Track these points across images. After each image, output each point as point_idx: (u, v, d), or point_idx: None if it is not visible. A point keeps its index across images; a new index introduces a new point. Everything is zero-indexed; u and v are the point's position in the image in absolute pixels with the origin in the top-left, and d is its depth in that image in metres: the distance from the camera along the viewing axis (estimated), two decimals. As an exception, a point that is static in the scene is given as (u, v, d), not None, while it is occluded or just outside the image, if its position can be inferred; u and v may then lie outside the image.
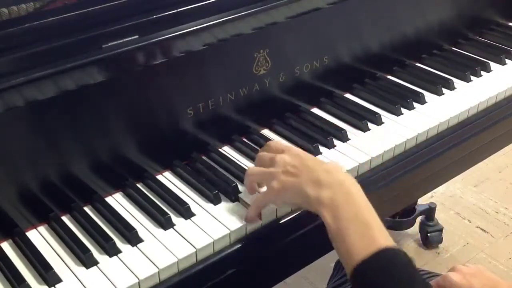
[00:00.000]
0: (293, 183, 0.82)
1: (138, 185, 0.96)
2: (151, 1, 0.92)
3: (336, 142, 1.05)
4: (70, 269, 0.82)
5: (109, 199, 0.94)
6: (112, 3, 0.88)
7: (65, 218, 0.90)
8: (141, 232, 0.87)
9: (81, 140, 0.89)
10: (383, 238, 0.74)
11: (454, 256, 1.88)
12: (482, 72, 1.29)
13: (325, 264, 1.30)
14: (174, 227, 0.88)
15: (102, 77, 0.86)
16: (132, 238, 0.85)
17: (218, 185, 0.95)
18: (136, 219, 0.90)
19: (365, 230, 0.75)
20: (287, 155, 0.85)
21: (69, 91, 0.84)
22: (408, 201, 1.51)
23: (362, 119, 1.10)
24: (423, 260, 1.86)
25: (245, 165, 1.00)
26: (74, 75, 0.84)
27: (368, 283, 0.72)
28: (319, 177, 0.80)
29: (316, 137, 1.06)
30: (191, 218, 0.89)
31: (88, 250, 0.83)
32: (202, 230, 0.87)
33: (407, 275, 0.72)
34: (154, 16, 0.90)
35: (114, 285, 0.79)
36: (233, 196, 0.93)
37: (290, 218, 0.92)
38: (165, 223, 0.88)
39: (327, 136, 1.05)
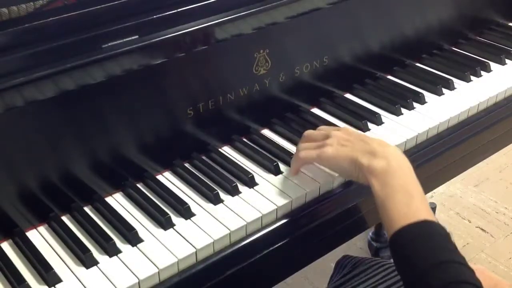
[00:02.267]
0: (347, 151, 0.87)
1: (138, 185, 0.96)
2: (151, 1, 0.92)
3: (336, 142, 1.05)
4: (70, 269, 0.82)
5: (109, 199, 0.94)
6: (112, 3, 0.88)
7: (65, 218, 0.90)
8: (141, 232, 0.87)
9: (81, 140, 0.89)
10: (424, 210, 0.78)
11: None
12: (482, 72, 1.29)
13: (325, 264, 1.31)
14: (174, 227, 0.88)
15: (102, 77, 0.86)
16: (132, 238, 0.85)
17: (218, 185, 0.95)
18: (136, 219, 0.90)
19: (409, 201, 0.78)
20: (341, 131, 0.92)
21: (69, 91, 0.84)
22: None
23: (362, 119, 1.10)
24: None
25: (245, 165, 1.00)
26: (74, 75, 0.84)
27: (405, 249, 0.75)
28: (374, 148, 0.85)
29: (316, 137, 1.06)
30: (191, 218, 0.89)
31: (88, 250, 0.83)
32: (202, 230, 0.87)
33: (442, 247, 0.74)
34: (154, 16, 0.90)
35: (114, 285, 0.79)
36: (233, 196, 0.93)
37: (290, 219, 0.92)
38: (165, 223, 0.88)
39: (327, 136, 1.05)
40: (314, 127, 1.07)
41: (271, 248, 0.90)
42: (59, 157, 0.88)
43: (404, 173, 0.82)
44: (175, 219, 0.89)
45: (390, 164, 0.82)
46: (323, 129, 0.96)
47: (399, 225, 0.76)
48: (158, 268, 0.81)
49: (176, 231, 0.87)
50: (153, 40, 0.89)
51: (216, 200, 0.92)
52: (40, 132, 0.85)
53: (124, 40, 0.87)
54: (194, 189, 0.96)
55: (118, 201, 0.94)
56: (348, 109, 1.15)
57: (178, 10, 0.93)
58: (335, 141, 0.89)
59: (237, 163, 1.00)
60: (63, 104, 0.85)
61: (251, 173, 0.97)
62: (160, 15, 0.91)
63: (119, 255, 0.84)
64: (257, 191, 0.94)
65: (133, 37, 0.88)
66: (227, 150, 1.05)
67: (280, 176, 0.98)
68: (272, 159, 1.01)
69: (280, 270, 0.97)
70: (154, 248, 0.84)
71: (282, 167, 0.99)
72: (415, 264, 0.73)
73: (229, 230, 0.87)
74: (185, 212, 0.90)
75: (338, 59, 1.16)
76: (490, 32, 1.45)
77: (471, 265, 0.95)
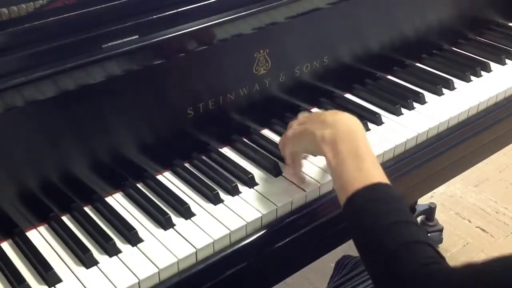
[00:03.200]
0: (303, 127, 0.90)
1: (138, 185, 0.96)
2: (151, 1, 0.92)
3: (336, 142, 1.05)
4: (70, 269, 0.82)
5: (109, 199, 0.94)
6: (112, 3, 0.88)
7: (65, 218, 0.90)
8: (141, 232, 0.87)
9: (81, 140, 0.89)
10: (376, 174, 0.78)
11: (454, 256, 1.88)
12: (482, 72, 1.29)
13: (325, 264, 1.31)
14: (174, 227, 0.88)
15: (102, 77, 0.86)
16: (132, 238, 0.85)
17: (218, 185, 0.95)
18: (136, 219, 0.90)
19: (361, 165, 0.79)
20: (305, 113, 0.95)
21: (69, 91, 0.84)
22: (408, 201, 1.51)
23: (362, 119, 1.10)
24: (423, 260, 1.85)
25: (245, 165, 1.00)
26: (74, 75, 0.84)
27: (357, 213, 0.76)
28: (325, 118, 0.87)
29: (316, 137, 1.06)
30: (191, 218, 0.89)
31: (88, 250, 0.83)
32: (202, 230, 0.87)
33: (393, 208, 0.74)
34: (154, 16, 0.90)
35: (114, 285, 0.79)
36: (233, 196, 0.93)
37: (290, 219, 0.92)
38: (165, 223, 0.88)
39: (327, 136, 1.05)
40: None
41: (271, 248, 0.90)
42: (59, 157, 0.88)
43: (354, 138, 0.83)
44: (175, 219, 0.89)
45: (339, 130, 0.83)
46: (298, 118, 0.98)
47: (351, 189, 0.77)
48: (158, 268, 0.81)
49: (176, 231, 0.87)
50: (153, 40, 0.89)
51: (216, 200, 0.92)
52: (40, 132, 0.85)
53: (124, 40, 0.87)
54: (194, 189, 0.96)
55: (118, 201, 0.94)
56: (348, 109, 1.14)
57: (178, 10, 0.93)
58: (295, 123, 0.92)
59: (237, 163, 1.00)
60: (63, 104, 0.85)
61: (251, 173, 0.97)
62: (160, 15, 0.91)
63: (119, 255, 0.84)
64: (257, 191, 0.94)
65: (133, 37, 0.88)
66: (227, 150, 1.05)
67: (280, 176, 0.98)
68: (272, 159, 1.01)
69: (280, 270, 0.97)
70: (154, 248, 0.84)
71: (282, 167, 0.99)
72: (368, 226, 0.73)
73: (229, 230, 0.87)
74: (185, 212, 0.90)
75: (338, 59, 1.16)
76: (490, 32, 1.45)
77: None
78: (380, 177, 0.78)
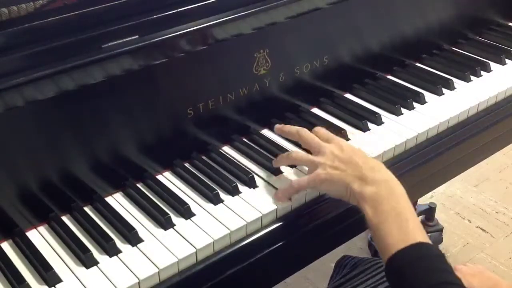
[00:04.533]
0: (339, 176, 0.87)
1: (138, 185, 0.96)
2: (151, 1, 0.92)
3: (336, 142, 1.05)
4: (70, 269, 0.82)
5: (109, 199, 0.94)
6: (112, 3, 0.88)
7: (65, 218, 0.90)
8: (141, 232, 0.87)
9: (81, 140, 0.89)
10: (418, 233, 0.78)
11: (454, 256, 1.88)
12: (482, 72, 1.29)
13: (325, 264, 1.31)
14: (174, 227, 0.88)
15: (102, 77, 0.86)
16: (132, 238, 0.85)
17: (218, 185, 0.95)
18: (136, 219, 0.90)
19: (402, 224, 0.78)
20: (334, 146, 0.91)
21: (69, 91, 0.84)
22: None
23: (362, 119, 1.10)
24: (423, 260, 1.85)
25: (245, 165, 1.00)
26: (74, 75, 0.84)
27: (401, 273, 0.75)
28: (365, 174, 0.85)
29: (316, 137, 1.06)
30: (191, 218, 0.89)
31: (88, 250, 0.83)
32: (202, 230, 0.87)
33: (437, 268, 0.74)
34: (154, 16, 0.90)
35: (114, 285, 0.79)
36: (233, 196, 0.93)
37: (290, 219, 0.92)
38: (165, 223, 0.88)
39: (327, 136, 1.05)
40: (314, 127, 1.08)
41: (271, 248, 0.90)
42: (59, 157, 0.88)
43: (395, 198, 0.82)
44: (175, 219, 0.89)
45: (380, 190, 0.82)
46: (318, 133, 0.95)
47: (393, 250, 0.76)
48: (158, 268, 0.81)
49: (176, 231, 0.87)
50: (153, 40, 0.89)
51: (216, 200, 0.92)
52: (40, 132, 0.85)
53: (124, 40, 0.87)
54: (194, 189, 0.96)
55: (118, 201, 0.94)
56: (348, 109, 1.15)
57: (178, 10, 0.93)
58: (327, 162, 0.88)
59: (237, 163, 1.00)
60: (63, 104, 0.85)
61: (251, 173, 0.97)
62: (160, 15, 0.91)
63: (119, 255, 0.84)
64: (257, 191, 0.94)
65: (133, 37, 0.88)
66: (227, 150, 1.05)
67: (280, 176, 0.98)
68: (272, 159, 1.00)
69: (280, 270, 0.97)
70: (154, 248, 0.84)
71: (282, 167, 0.99)
72: (410, 287, 0.73)
73: (229, 230, 0.87)
74: (185, 212, 0.90)
75: (338, 59, 1.16)
76: (490, 32, 1.45)
77: (471, 265, 0.95)
78: (422, 237, 0.78)
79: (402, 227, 0.78)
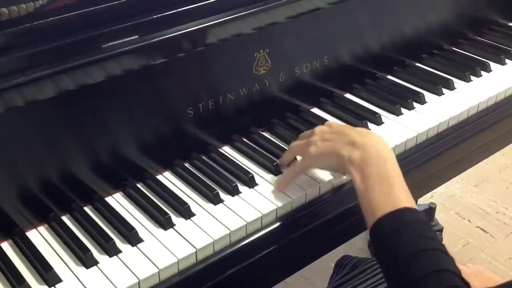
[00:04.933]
0: (329, 146, 0.88)
1: (138, 185, 0.96)
2: (151, 1, 0.92)
3: (336, 142, 1.05)
4: (70, 269, 0.82)
5: (109, 199, 0.94)
6: (112, 3, 0.88)
7: (65, 218, 0.90)
8: (141, 232, 0.87)
9: (81, 140, 0.89)
10: (405, 199, 0.78)
11: (454, 256, 1.87)
12: (482, 72, 1.29)
13: (325, 264, 1.31)
14: (174, 227, 0.88)
15: (102, 77, 0.86)
16: (132, 238, 0.85)
17: (218, 185, 0.95)
18: (136, 219, 0.90)
19: (389, 190, 0.78)
20: (323, 126, 0.93)
21: (69, 91, 0.84)
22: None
23: (362, 119, 1.10)
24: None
25: (245, 165, 1.00)
26: (74, 75, 0.84)
27: (385, 238, 0.75)
28: (353, 138, 0.85)
29: (316, 137, 1.06)
30: (191, 218, 0.89)
31: (88, 250, 0.83)
32: (202, 230, 0.87)
33: (421, 235, 0.74)
34: (154, 16, 0.90)
35: (114, 285, 0.79)
36: (233, 196, 0.93)
37: (290, 219, 0.92)
38: (165, 223, 0.88)
39: (327, 136, 1.05)
40: (314, 127, 1.08)
41: (271, 248, 0.90)
42: (59, 157, 0.88)
43: (383, 162, 0.82)
44: (175, 219, 0.89)
45: (368, 154, 0.83)
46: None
47: (378, 214, 0.76)
48: (158, 268, 0.81)
49: (176, 231, 0.87)
50: (153, 40, 0.89)
51: (216, 200, 0.92)
52: (40, 132, 0.85)
53: (124, 40, 0.87)
54: (194, 189, 0.96)
55: (118, 201, 0.94)
56: (348, 109, 1.15)
57: (178, 10, 0.92)
58: (318, 138, 0.90)
59: (237, 163, 1.00)
60: (63, 104, 0.85)
61: (251, 173, 0.97)
62: (160, 15, 0.91)
63: (119, 255, 0.84)
64: (257, 191, 0.94)
65: (133, 37, 0.88)
66: (227, 150, 1.05)
67: (280, 176, 0.98)
68: (272, 159, 1.01)
69: (280, 270, 0.97)
70: (154, 248, 0.84)
71: (282, 167, 0.99)
72: (395, 253, 0.73)
73: (229, 230, 0.87)
74: (185, 212, 0.90)
75: (338, 59, 1.16)
76: (490, 32, 1.45)
77: (471, 265, 0.95)
78: (409, 202, 0.78)
79: (388, 192, 0.78)
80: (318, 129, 0.93)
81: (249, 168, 1.00)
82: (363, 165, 0.82)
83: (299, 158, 0.97)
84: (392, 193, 0.78)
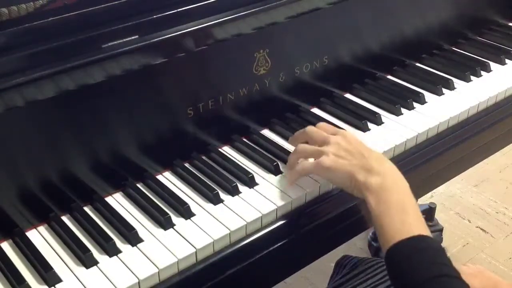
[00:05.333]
0: (345, 165, 0.87)
1: (138, 185, 0.96)
2: (151, 1, 0.92)
3: (336, 142, 1.05)
4: (70, 269, 0.82)
5: (109, 199, 0.94)
6: (112, 3, 0.88)
7: (65, 218, 0.90)
8: (141, 232, 0.87)
9: (81, 140, 0.89)
10: (419, 226, 0.78)
11: (454, 256, 1.88)
12: (482, 72, 1.29)
13: (325, 264, 1.30)
14: (174, 227, 0.88)
15: (102, 77, 0.86)
16: (132, 238, 0.85)
17: (218, 185, 0.95)
18: (136, 219, 0.90)
19: (404, 217, 0.79)
20: (340, 138, 0.91)
21: (69, 91, 0.84)
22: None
23: (362, 119, 1.10)
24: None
25: (245, 165, 1.00)
26: (74, 75, 0.84)
27: (399, 264, 0.76)
28: (370, 164, 0.85)
29: (316, 137, 1.06)
30: (191, 218, 0.89)
31: (88, 250, 0.83)
32: (202, 230, 0.87)
33: (436, 261, 0.74)
34: (154, 16, 0.90)
35: (114, 285, 0.79)
36: (233, 196, 0.93)
37: (290, 219, 0.92)
38: (165, 223, 0.88)
39: (327, 136, 1.05)
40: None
41: (271, 248, 0.90)
42: (59, 157, 0.88)
43: (399, 190, 0.83)
44: (175, 219, 0.89)
45: (385, 181, 0.83)
46: (323, 127, 0.96)
47: (394, 241, 0.77)
48: (158, 268, 0.81)
49: (176, 231, 0.87)
50: (153, 40, 0.89)
51: (216, 200, 0.92)
52: (40, 132, 0.85)
53: (124, 40, 0.87)
54: (194, 189, 0.96)
55: (118, 201, 0.94)
56: (348, 109, 1.15)
57: (178, 10, 0.93)
58: (333, 151, 0.89)
59: (237, 163, 1.00)
60: (63, 104, 0.85)
61: (251, 173, 0.97)
62: (160, 15, 0.91)
63: (119, 255, 0.84)
64: (257, 191, 0.94)
65: (133, 37, 0.88)
66: (227, 150, 1.05)
67: (280, 176, 0.98)
68: (272, 159, 1.01)
69: (280, 270, 0.97)
70: (154, 248, 0.84)
71: (282, 167, 0.99)
72: (410, 279, 0.73)
73: (229, 230, 0.87)
74: (185, 212, 0.90)
75: (338, 59, 1.16)
76: (490, 32, 1.45)
77: (471, 265, 0.95)
78: (423, 230, 0.78)
79: (403, 219, 0.79)
80: (334, 140, 0.90)
81: (249, 168, 1.00)
82: (379, 192, 0.82)
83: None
84: (407, 221, 0.79)
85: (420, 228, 0.78)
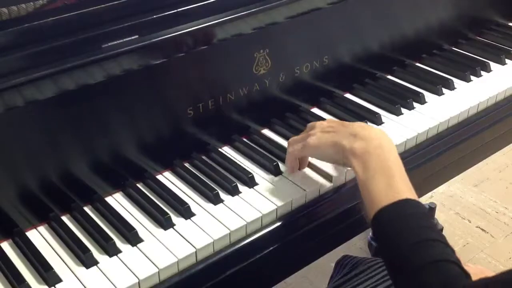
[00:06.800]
0: (330, 137, 0.88)
1: (138, 185, 0.96)
2: (151, 1, 0.92)
3: (336, 142, 1.05)
4: (70, 269, 0.82)
5: (109, 199, 0.94)
6: (112, 3, 0.88)
7: (65, 218, 0.90)
8: (141, 232, 0.87)
9: (81, 140, 0.89)
10: (406, 190, 0.78)
11: (454, 256, 1.87)
12: (482, 72, 1.29)
13: (325, 264, 1.30)
14: (174, 227, 0.88)
15: (102, 77, 0.86)
16: (132, 238, 0.85)
17: (218, 185, 0.95)
18: (136, 219, 0.90)
19: (390, 181, 0.79)
20: (324, 121, 0.94)
21: (69, 91, 0.84)
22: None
23: (362, 119, 1.10)
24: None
25: (245, 165, 1.00)
26: (74, 75, 0.84)
27: (385, 229, 0.76)
28: (355, 130, 0.86)
29: (316, 137, 1.06)
30: (191, 218, 0.89)
31: (88, 250, 0.83)
32: (202, 230, 0.87)
33: (421, 225, 0.74)
34: (154, 16, 0.90)
35: (114, 285, 0.79)
36: (233, 196, 0.93)
37: (290, 219, 0.92)
38: (165, 223, 0.88)
39: (327, 136, 1.05)
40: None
41: (271, 248, 0.90)
42: (59, 157, 0.88)
43: (384, 154, 0.82)
44: (175, 219, 0.89)
45: (370, 145, 0.83)
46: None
47: (379, 205, 0.77)
48: (158, 268, 0.81)
49: (176, 231, 0.87)
50: (153, 40, 0.89)
51: (216, 200, 0.92)
52: (40, 132, 0.85)
53: (124, 40, 0.87)
54: (194, 189, 0.96)
55: (118, 201, 0.94)
56: (348, 109, 1.15)
57: (178, 10, 0.93)
58: (318, 130, 0.91)
59: (237, 163, 1.00)
60: (63, 104, 0.85)
61: (251, 173, 0.97)
62: (160, 15, 0.91)
63: (119, 255, 0.84)
64: (257, 191, 0.94)
65: (133, 37, 0.88)
66: (227, 150, 1.05)
67: (280, 176, 0.98)
68: (272, 159, 1.01)
69: (280, 270, 0.97)
70: (154, 248, 0.84)
71: (282, 167, 0.99)
72: (395, 243, 0.73)
73: (229, 230, 0.87)
74: (185, 212, 0.90)
75: (338, 59, 1.16)
76: (490, 32, 1.45)
77: (471, 265, 0.95)
78: (410, 193, 0.78)
79: (389, 184, 0.79)
80: (318, 123, 0.93)
81: (249, 168, 1.00)
82: (365, 155, 0.82)
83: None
84: (393, 184, 0.78)
85: (406, 191, 0.78)
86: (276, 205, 0.91)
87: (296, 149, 0.93)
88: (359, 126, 0.88)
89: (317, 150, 0.91)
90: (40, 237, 0.88)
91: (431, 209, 1.89)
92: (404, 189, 0.78)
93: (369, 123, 1.10)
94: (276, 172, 0.98)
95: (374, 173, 0.80)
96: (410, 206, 0.76)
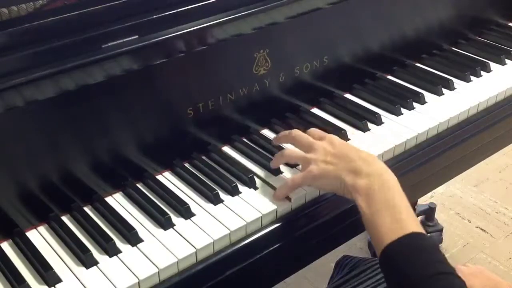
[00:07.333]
0: (332, 171, 0.87)
1: (138, 185, 0.96)
2: (151, 1, 0.92)
3: (336, 142, 1.05)
4: (70, 269, 0.82)
5: (109, 199, 0.94)
6: (112, 3, 0.88)
7: (65, 218, 0.90)
8: (141, 232, 0.87)
9: (81, 140, 0.89)
10: (412, 224, 0.78)
11: (454, 256, 1.88)
12: (482, 72, 1.29)
13: (325, 264, 1.31)
14: (174, 227, 0.88)
15: (102, 77, 0.86)
16: (132, 238, 0.85)
17: (218, 185, 0.95)
18: (136, 219, 0.90)
19: (395, 216, 0.79)
20: (326, 143, 0.91)
21: (69, 91, 0.84)
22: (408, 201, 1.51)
23: (362, 119, 1.10)
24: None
25: (245, 165, 1.00)
26: (74, 75, 0.84)
27: (394, 263, 0.75)
28: (357, 166, 0.85)
29: (316, 137, 1.06)
30: (191, 218, 0.89)
31: (88, 250, 0.83)
32: (202, 230, 0.87)
33: (431, 258, 0.74)
34: (154, 16, 0.90)
35: (114, 285, 0.79)
36: (233, 196, 0.93)
37: (290, 219, 0.92)
38: (165, 223, 0.88)
39: (327, 136, 1.05)
40: (314, 127, 1.08)
41: (271, 248, 0.90)
42: (59, 157, 0.88)
43: (389, 189, 0.82)
44: (175, 219, 0.89)
45: (374, 182, 0.83)
46: (311, 133, 0.95)
47: (387, 240, 0.76)
48: (158, 268, 0.81)
49: (176, 231, 0.87)
50: (153, 40, 0.89)
51: (216, 200, 0.92)
52: (40, 132, 0.85)
53: (124, 40, 0.87)
54: (194, 189, 0.96)
55: (118, 201, 0.94)
56: (348, 109, 1.15)
57: (178, 10, 0.93)
58: (319, 158, 0.89)
59: (237, 163, 1.00)
60: (63, 104, 0.85)
61: (251, 173, 0.97)
62: (160, 15, 0.91)
63: (119, 255, 0.84)
64: (257, 191, 0.94)
65: (133, 37, 0.88)
66: (227, 150, 1.05)
67: (280, 176, 0.98)
68: (272, 159, 1.00)
69: (280, 270, 0.97)
70: (154, 248, 0.84)
71: (282, 167, 0.99)
72: (405, 278, 0.73)
73: (229, 230, 0.87)
74: (185, 212, 0.90)
75: (338, 59, 1.16)
76: (490, 32, 1.45)
77: (471, 265, 0.95)
78: (416, 227, 0.78)
79: (395, 218, 0.78)
80: (320, 146, 0.90)
81: (249, 168, 1.00)
82: (368, 193, 0.82)
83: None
84: (399, 219, 0.78)
85: (413, 225, 0.78)
86: (276, 205, 0.91)
87: (297, 181, 0.91)
88: (362, 161, 0.86)
89: (317, 182, 0.90)
90: (40, 237, 0.88)
91: (431, 209, 1.89)
92: (411, 223, 0.78)
93: (369, 124, 1.10)
94: (275, 172, 0.98)
95: (379, 209, 0.80)
96: (419, 240, 0.76)
